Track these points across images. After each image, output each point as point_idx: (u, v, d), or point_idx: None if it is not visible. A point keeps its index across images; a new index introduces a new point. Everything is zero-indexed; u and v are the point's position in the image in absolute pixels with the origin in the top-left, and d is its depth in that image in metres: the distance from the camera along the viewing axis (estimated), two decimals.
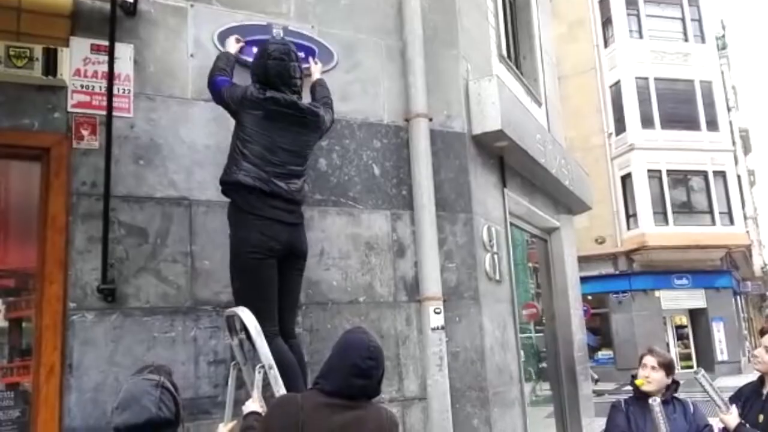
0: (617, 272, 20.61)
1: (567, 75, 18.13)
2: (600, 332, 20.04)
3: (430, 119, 3.95)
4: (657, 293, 20.42)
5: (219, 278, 3.19)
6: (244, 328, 2.74)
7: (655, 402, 3.00)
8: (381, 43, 4.02)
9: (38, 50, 2.93)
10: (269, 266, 2.90)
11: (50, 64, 2.93)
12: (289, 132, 2.99)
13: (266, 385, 2.59)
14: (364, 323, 3.57)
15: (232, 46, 3.33)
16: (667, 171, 20.31)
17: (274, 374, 2.59)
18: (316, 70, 3.59)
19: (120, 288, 3.02)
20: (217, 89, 3.07)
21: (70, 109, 3.05)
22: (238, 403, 2.87)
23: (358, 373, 2.06)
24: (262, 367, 2.60)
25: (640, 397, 3.24)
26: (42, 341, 2.89)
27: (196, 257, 3.21)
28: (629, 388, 3.38)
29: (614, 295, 20.58)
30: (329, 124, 3.29)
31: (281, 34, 3.58)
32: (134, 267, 3.07)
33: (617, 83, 21.07)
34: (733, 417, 3.05)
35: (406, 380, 3.66)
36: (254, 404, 2.46)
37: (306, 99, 3.26)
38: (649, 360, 3.29)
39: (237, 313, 2.76)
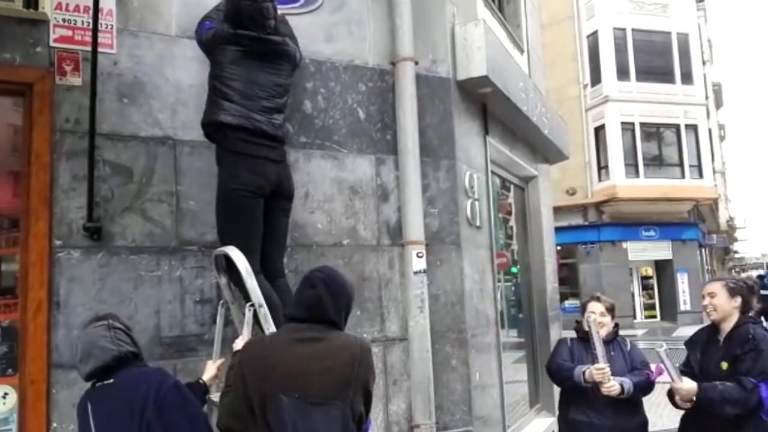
0: (587, 223, 21.06)
1: (544, 23, 17.94)
2: (567, 282, 20.61)
3: (416, 63, 3.93)
4: (624, 244, 20.99)
5: (204, 219, 3.21)
6: (233, 267, 2.78)
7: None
8: None
9: None
10: (256, 205, 2.92)
11: None
12: (264, 67, 2.97)
13: (256, 323, 2.66)
14: (348, 266, 3.66)
15: None
16: (640, 123, 20.55)
17: (264, 312, 2.63)
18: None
19: (106, 227, 3.02)
20: (199, 34, 3.06)
21: (52, 44, 2.97)
22: (226, 340, 2.95)
23: (305, 302, 2.15)
24: (252, 305, 2.65)
25: (584, 337, 3.58)
26: (28, 278, 2.90)
27: (182, 197, 3.22)
28: None
29: (583, 246, 21.08)
30: (300, 58, 3.28)
31: None
32: (120, 206, 3.07)
33: (594, 33, 21.00)
34: (687, 384, 3.12)
35: (387, 321, 3.76)
36: (244, 342, 2.50)
37: None
38: (598, 307, 3.65)
39: (226, 252, 2.79)
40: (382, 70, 3.92)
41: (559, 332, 6.70)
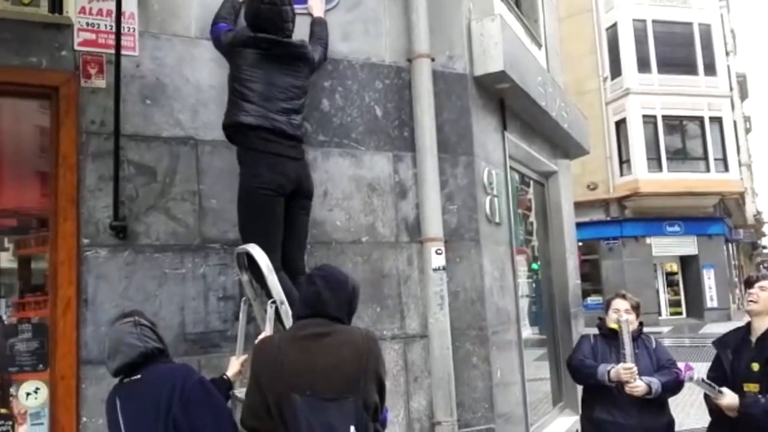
0: (609, 219, 20.84)
1: (561, 17, 17.80)
2: (590, 278, 20.43)
3: (433, 59, 3.94)
4: (648, 240, 20.73)
5: (226, 217, 3.26)
6: (255, 265, 2.83)
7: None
8: None
9: None
10: (277, 203, 2.97)
11: (56, 2, 2.91)
12: (282, 69, 3.02)
13: (278, 320, 2.70)
14: (367, 263, 3.69)
15: None
16: (663, 116, 20.27)
17: (285, 309, 2.67)
18: (316, 7, 3.57)
19: (131, 225, 3.09)
20: (215, 35, 3.12)
21: (76, 48, 3.06)
22: (249, 337, 3.00)
23: (306, 299, 2.20)
24: (274, 302, 2.70)
25: (608, 335, 3.54)
26: (57, 276, 2.98)
27: (204, 196, 3.28)
28: None
29: (605, 242, 20.85)
30: (319, 60, 3.32)
31: None
32: (144, 205, 3.14)
33: (614, 26, 20.75)
34: (729, 396, 3.03)
35: (407, 318, 3.78)
36: None
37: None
38: (622, 304, 3.60)
39: (248, 250, 2.84)
40: (398, 68, 3.94)
41: (581, 329, 6.66)
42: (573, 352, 3.77)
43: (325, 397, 1.99)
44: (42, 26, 2.99)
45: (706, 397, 3.19)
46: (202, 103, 3.32)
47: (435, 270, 3.78)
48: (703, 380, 3.11)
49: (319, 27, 3.45)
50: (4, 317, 4.33)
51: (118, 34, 2.90)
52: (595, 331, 3.77)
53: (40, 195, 4.27)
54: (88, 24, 3.07)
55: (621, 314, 3.54)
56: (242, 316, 3.03)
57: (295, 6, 3.22)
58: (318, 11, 3.56)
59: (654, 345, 3.62)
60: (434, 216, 3.84)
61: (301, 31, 3.38)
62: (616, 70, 20.69)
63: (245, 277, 3.03)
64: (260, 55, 2.97)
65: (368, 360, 2.08)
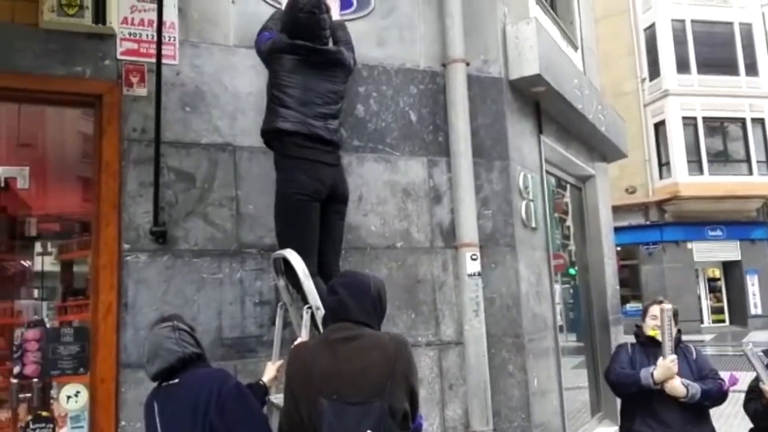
0: (648, 223, 20.38)
1: (597, 18, 17.54)
2: (629, 284, 20.00)
3: (467, 64, 3.92)
4: (689, 245, 20.20)
5: (263, 222, 3.30)
6: (291, 270, 2.84)
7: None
8: None
9: None
10: (313, 209, 2.99)
11: (99, 12, 3.00)
12: (319, 75, 3.05)
13: (313, 325, 2.71)
14: (402, 268, 3.68)
15: None
16: (703, 118, 19.77)
17: (321, 314, 2.67)
18: (333, 11, 3.57)
19: (170, 231, 3.15)
20: (258, 45, 3.17)
21: (119, 57, 3.14)
22: (285, 342, 3.01)
23: (330, 308, 2.19)
24: (310, 307, 2.71)
25: (645, 343, 3.44)
26: (99, 281, 3.05)
27: (241, 202, 3.32)
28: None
29: (644, 247, 20.41)
30: (353, 64, 3.33)
31: None
32: (183, 211, 3.19)
33: (652, 26, 20.34)
34: None
35: (442, 325, 3.75)
36: None
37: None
38: (659, 311, 3.45)
39: (285, 256, 2.86)
40: (433, 72, 3.93)
41: (620, 336, 6.52)
42: (611, 363, 3.64)
43: (351, 401, 1.97)
44: (86, 36, 3.08)
45: (746, 403, 3.10)
46: (240, 110, 3.36)
47: (470, 276, 3.75)
48: (756, 356, 3.05)
49: (342, 31, 3.43)
50: (47, 321, 4.46)
51: (159, 44, 2.96)
52: (633, 339, 3.67)
53: (82, 200, 4.39)
54: (130, 34, 3.15)
55: (657, 321, 3.44)
56: (278, 321, 3.05)
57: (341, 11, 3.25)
58: (334, 15, 3.52)
59: (694, 355, 3.50)
60: (469, 221, 3.82)
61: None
62: (654, 72, 20.27)
63: (282, 282, 3.06)
64: (298, 62, 3.00)
65: (396, 364, 2.04)
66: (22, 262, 4.85)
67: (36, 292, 4.93)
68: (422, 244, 3.78)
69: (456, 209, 3.84)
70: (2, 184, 4.11)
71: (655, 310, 3.52)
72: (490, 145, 4.06)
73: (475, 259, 3.77)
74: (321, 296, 2.75)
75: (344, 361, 2.03)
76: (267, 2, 3.47)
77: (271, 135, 3.03)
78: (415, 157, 3.83)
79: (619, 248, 18.85)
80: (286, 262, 2.87)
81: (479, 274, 3.77)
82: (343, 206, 3.22)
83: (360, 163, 3.67)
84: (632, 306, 20.53)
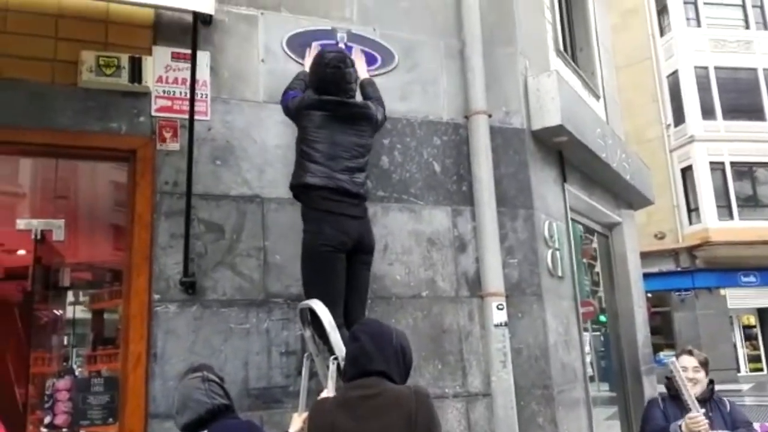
0: (679, 269, 19.95)
1: (620, 66, 17.70)
2: (661, 332, 19.44)
3: (490, 116, 3.99)
4: (723, 291, 19.68)
5: (290, 272, 3.34)
6: (317, 320, 2.86)
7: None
8: (440, 43, 4.09)
9: (124, 59, 3.16)
10: (339, 260, 3.02)
11: (135, 72, 3.15)
12: (346, 129, 3.13)
13: (339, 376, 2.70)
14: (427, 318, 3.67)
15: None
16: (731, 163, 19.55)
17: None
18: (360, 70, 3.69)
19: (199, 281, 3.20)
20: (285, 102, 3.27)
21: (153, 114, 3.27)
22: (311, 393, 3.00)
23: (351, 356, 2.15)
24: (335, 358, 2.71)
25: (677, 396, 3.31)
26: (129, 331, 3.09)
27: (269, 252, 3.37)
28: None
29: (676, 293, 19.92)
30: (381, 119, 3.39)
31: (345, 38, 3.73)
32: (212, 261, 3.25)
33: (675, 73, 20.41)
34: None
35: (469, 376, 3.70)
36: (329, 395, 2.56)
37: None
38: (690, 361, 3.38)
39: (311, 306, 2.88)
40: (456, 124, 4.01)
41: (653, 386, 6.33)
42: (643, 423, 3.50)
43: None
44: (122, 94, 3.22)
45: None
46: (268, 163, 3.46)
47: (497, 326, 3.72)
48: None
49: (371, 88, 3.53)
50: (77, 369, 4.52)
51: (192, 101, 3.10)
52: (664, 390, 3.55)
53: (114, 249, 4.50)
54: (164, 92, 3.29)
55: (689, 372, 3.33)
56: (305, 372, 3.04)
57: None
58: (363, 73, 3.64)
59: (728, 407, 3.36)
60: (495, 270, 3.81)
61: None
62: (679, 118, 20.23)
63: (308, 333, 3.07)
64: (326, 117, 3.09)
65: (418, 419, 1.98)
66: (55, 311, 4.96)
67: (66, 340, 5.02)
68: (447, 293, 3.78)
69: (481, 258, 3.85)
70: (39, 237, 4.26)
71: (684, 360, 3.42)
72: (514, 194, 4.08)
73: (501, 309, 3.74)
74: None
75: (365, 421, 1.99)
76: (294, 60, 3.60)
77: (299, 189, 3.10)
78: (439, 206, 3.87)
79: (650, 295, 18.43)
80: (313, 312, 2.89)
81: (506, 324, 3.73)
82: (369, 256, 3.24)
83: (385, 213, 3.71)
84: (666, 354, 19.84)
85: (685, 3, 20.47)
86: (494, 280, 3.79)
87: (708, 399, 3.33)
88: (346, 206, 3.06)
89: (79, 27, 3.16)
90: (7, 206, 4.89)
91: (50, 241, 4.42)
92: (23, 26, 3.10)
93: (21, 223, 4.44)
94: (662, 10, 21.02)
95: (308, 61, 3.48)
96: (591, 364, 7.31)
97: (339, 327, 2.87)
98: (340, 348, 2.70)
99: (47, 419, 3.28)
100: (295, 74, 3.43)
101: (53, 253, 4.66)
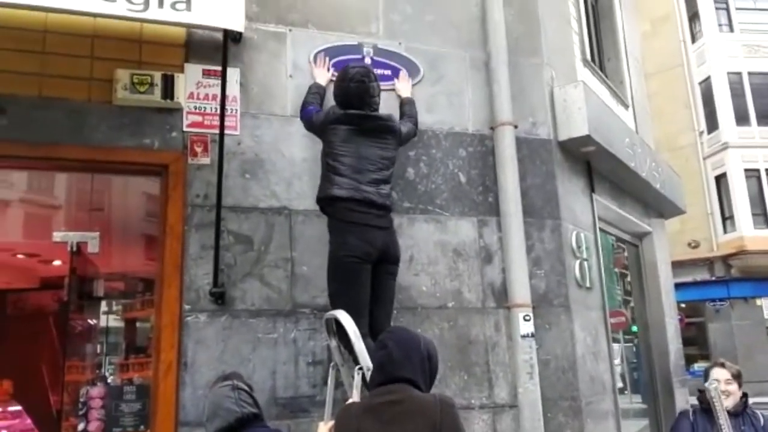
0: (714, 278, 19.46)
1: (650, 73, 17.43)
2: (696, 342, 18.99)
3: (515, 127, 3.99)
4: (759, 301, 19.14)
5: (316, 283, 3.38)
6: (342, 331, 2.90)
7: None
8: (465, 55, 4.12)
9: (157, 77, 3.27)
10: (364, 270, 3.06)
11: (168, 89, 3.26)
12: (371, 142, 3.18)
13: (364, 386, 2.73)
14: (453, 329, 3.68)
15: (323, 77, 3.57)
16: (766, 170, 19.07)
17: None
18: (403, 89, 3.77)
19: (229, 291, 3.27)
20: (307, 117, 3.35)
21: (185, 129, 3.37)
22: (337, 402, 3.03)
23: (378, 363, 2.16)
24: (361, 368, 2.73)
25: (709, 409, 3.23)
26: (161, 340, 3.17)
27: (296, 263, 3.43)
28: None
29: (711, 303, 19.43)
30: (407, 133, 3.45)
31: (371, 53, 3.79)
32: (241, 272, 3.32)
33: (707, 80, 20.02)
34: None
35: (496, 387, 3.69)
36: None
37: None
38: (722, 373, 3.32)
39: (336, 316, 2.92)
40: (481, 135, 4.02)
41: (686, 399, 6.20)
42: (671, 430, 3.48)
43: None
44: (155, 111, 3.33)
45: None
46: (296, 176, 3.52)
47: (523, 337, 3.70)
48: None
49: (408, 106, 3.65)
50: (109, 377, 4.63)
51: (222, 116, 3.18)
52: (696, 402, 3.49)
53: (146, 259, 4.61)
54: (195, 108, 3.38)
55: (721, 385, 3.27)
56: (330, 382, 3.07)
57: (384, 82, 3.42)
58: (406, 92, 3.76)
59: (762, 421, 3.27)
60: (521, 281, 3.80)
61: (387, 106, 3.59)
62: (712, 124, 19.84)
63: (333, 343, 3.10)
64: (351, 130, 3.15)
65: (442, 428, 1.98)
66: (89, 320, 5.10)
67: (100, 348, 5.15)
68: (474, 304, 3.78)
69: (507, 269, 3.84)
70: (74, 249, 4.40)
71: (716, 373, 3.36)
72: (541, 205, 4.07)
73: (528, 320, 3.73)
74: (371, 356, 2.78)
75: (388, 426, 2.00)
76: None
77: (325, 201, 3.16)
78: (465, 217, 3.88)
79: (683, 305, 18.06)
80: (338, 322, 2.92)
81: (533, 335, 3.72)
82: (394, 267, 3.27)
83: (411, 224, 3.74)
84: (700, 366, 19.30)
85: (717, 9, 20.11)
86: (521, 290, 3.78)
87: (741, 412, 3.27)
88: (372, 217, 3.10)
89: (114, 46, 3.28)
90: (44, 218, 5.07)
91: (85, 253, 4.55)
92: (61, 46, 3.23)
93: (57, 236, 4.59)
94: (693, 16, 20.68)
95: (318, 72, 3.59)
96: (623, 375, 7.20)
97: (363, 337, 2.89)
98: (364, 357, 2.72)
99: (81, 426, 3.37)
100: (307, 89, 3.50)
101: (88, 264, 4.80)
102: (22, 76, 3.17)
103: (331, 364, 3.15)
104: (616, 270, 6.92)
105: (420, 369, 2.13)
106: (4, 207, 5.24)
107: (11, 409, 5.79)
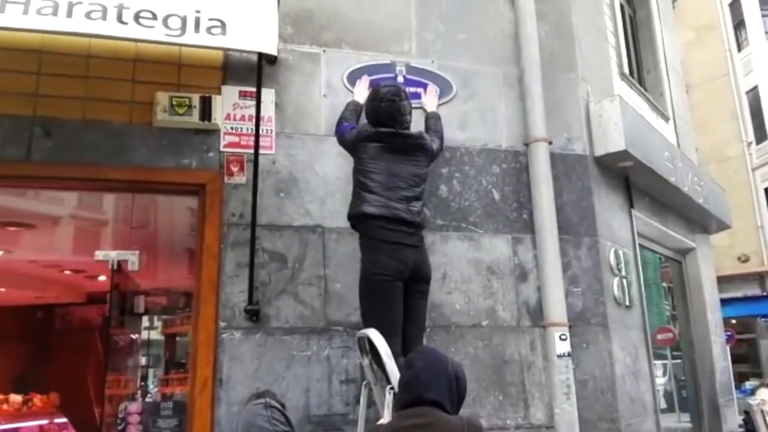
0: (765, 293, 18.75)
1: (694, 83, 17.05)
2: (747, 360, 18.27)
3: (550, 143, 3.95)
4: None
5: (349, 301, 3.39)
6: (375, 349, 2.89)
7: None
8: (498, 71, 4.10)
9: (196, 99, 3.36)
10: (396, 288, 3.06)
11: (205, 110, 3.35)
12: (402, 159, 3.20)
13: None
14: (488, 348, 3.63)
15: (362, 95, 3.59)
16: None
17: None
18: (430, 103, 3.78)
19: (263, 309, 3.31)
20: (341, 133, 3.39)
21: (222, 149, 3.44)
22: (369, 421, 3.03)
23: (405, 383, 2.11)
24: (392, 388, 2.72)
25: (752, 431, 3.10)
26: (197, 357, 3.22)
27: (329, 280, 3.45)
28: None
29: (763, 319, 18.69)
30: (437, 150, 3.47)
31: (403, 71, 3.82)
32: (275, 290, 3.36)
33: (755, 89, 19.41)
34: None
35: (532, 408, 3.62)
36: None
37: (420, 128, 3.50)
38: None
39: (368, 335, 2.93)
40: (515, 152, 3.99)
41: (734, 419, 5.96)
42: None
43: None
44: (193, 132, 3.42)
45: None
46: (329, 194, 3.56)
47: (560, 356, 3.63)
48: None
49: (433, 120, 3.66)
50: (151, 391, 4.73)
51: (257, 136, 3.24)
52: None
53: (187, 274, 4.72)
54: (232, 128, 3.46)
55: (766, 406, 3.15)
56: (363, 400, 3.07)
57: (413, 100, 3.44)
58: (431, 107, 3.78)
59: None
60: (557, 299, 3.73)
61: (421, 123, 3.61)
62: (761, 135, 19.18)
63: (366, 362, 3.10)
64: (382, 148, 3.18)
65: None
66: (131, 335, 5.23)
67: (140, 363, 5.27)
68: (508, 322, 3.73)
69: (543, 287, 3.78)
70: (115, 267, 4.54)
71: (763, 393, 3.25)
72: (577, 222, 4.01)
73: (564, 339, 3.66)
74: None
75: None
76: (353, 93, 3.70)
77: (356, 219, 3.18)
78: (499, 234, 3.85)
79: (734, 321, 17.44)
80: (370, 341, 2.93)
81: (569, 355, 3.64)
82: (425, 285, 3.26)
83: (444, 242, 3.72)
84: (752, 384, 18.61)
85: (763, 16, 19.53)
86: (557, 309, 3.71)
87: None
88: (403, 235, 3.10)
89: (154, 70, 3.39)
90: (88, 236, 5.23)
91: (126, 270, 4.68)
92: (104, 71, 3.35)
93: (99, 255, 4.74)
94: (739, 25, 20.13)
95: (358, 90, 3.63)
96: (671, 393, 6.97)
97: (396, 356, 2.88)
98: (396, 377, 2.71)
99: None
100: (344, 105, 3.54)
101: (129, 281, 4.93)
102: (66, 100, 3.30)
103: (364, 382, 3.14)
104: (664, 285, 6.74)
105: (447, 390, 2.09)
106: (53, 224, 5.44)
107: (57, 420, 5.98)
